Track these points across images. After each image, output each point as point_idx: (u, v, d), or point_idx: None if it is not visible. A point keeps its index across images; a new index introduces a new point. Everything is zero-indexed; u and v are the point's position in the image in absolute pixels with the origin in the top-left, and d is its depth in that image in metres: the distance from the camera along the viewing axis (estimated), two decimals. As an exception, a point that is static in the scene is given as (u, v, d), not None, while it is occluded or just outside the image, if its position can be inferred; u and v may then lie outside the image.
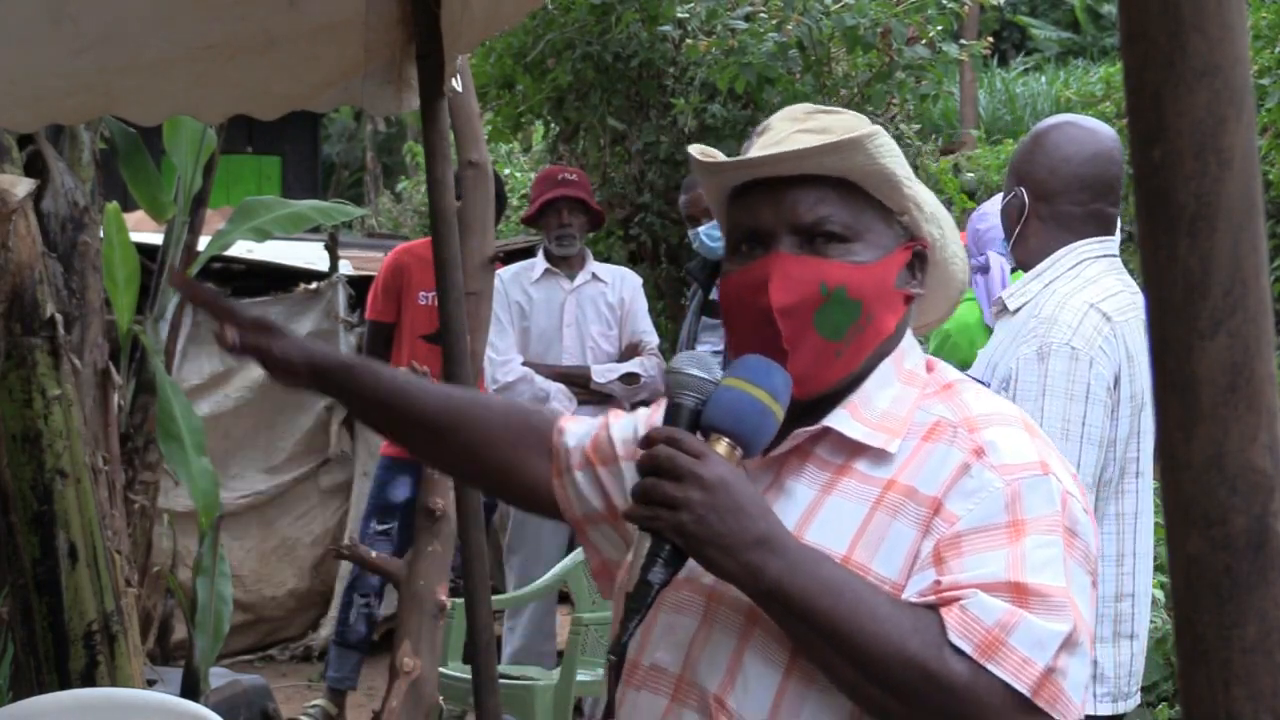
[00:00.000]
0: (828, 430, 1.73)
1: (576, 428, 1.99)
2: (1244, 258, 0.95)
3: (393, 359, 6.02)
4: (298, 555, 7.50)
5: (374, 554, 4.32)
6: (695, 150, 1.83)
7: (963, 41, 7.39)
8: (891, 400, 1.75)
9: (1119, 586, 3.00)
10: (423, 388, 2.04)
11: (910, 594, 1.62)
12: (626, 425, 1.96)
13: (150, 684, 4.55)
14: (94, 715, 2.99)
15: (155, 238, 6.28)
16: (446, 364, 3.21)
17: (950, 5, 6.98)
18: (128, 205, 6.11)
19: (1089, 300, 2.97)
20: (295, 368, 2.00)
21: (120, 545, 4.53)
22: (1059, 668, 1.58)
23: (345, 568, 6.69)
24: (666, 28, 7.31)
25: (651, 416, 1.92)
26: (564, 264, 6.18)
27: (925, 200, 1.80)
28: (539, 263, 6.22)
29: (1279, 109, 7.09)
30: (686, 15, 7.33)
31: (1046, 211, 3.09)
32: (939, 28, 7.04)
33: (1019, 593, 1.58)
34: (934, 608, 1.59)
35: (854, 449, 1.72)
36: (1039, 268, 3.09)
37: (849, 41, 6.87)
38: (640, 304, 6.24)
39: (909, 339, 1.83)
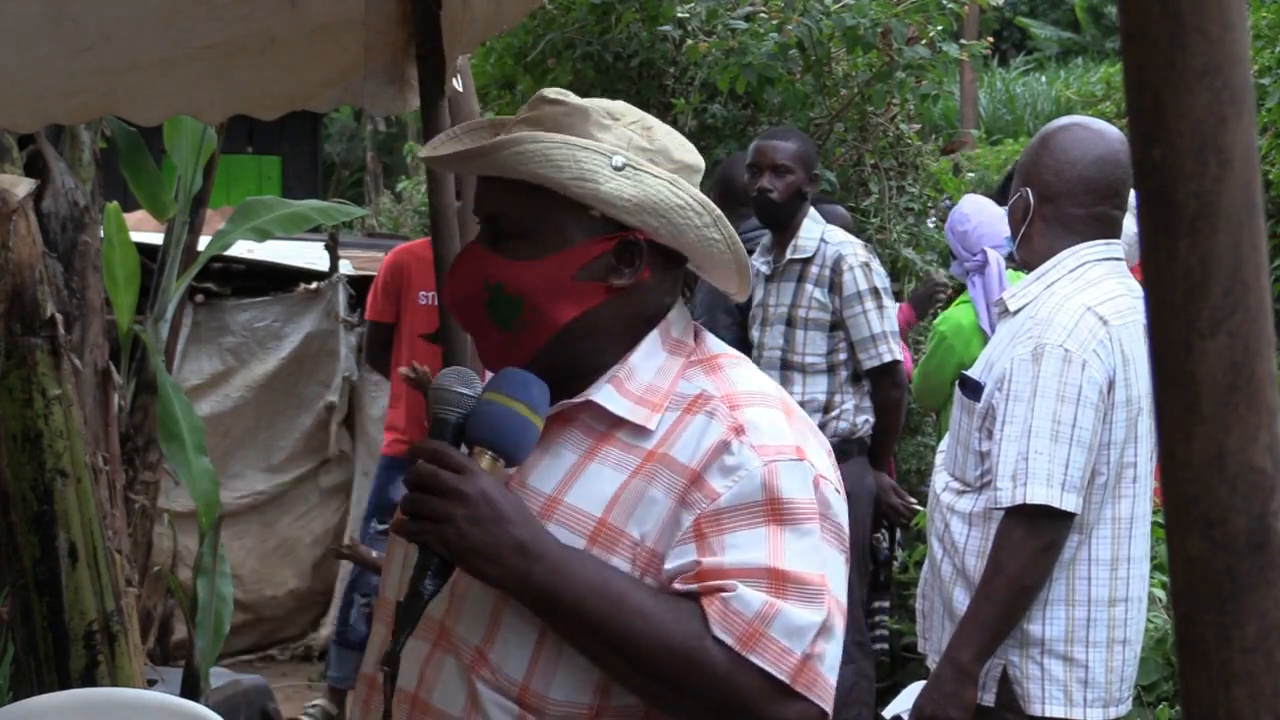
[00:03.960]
0: (590, 402, 1.79)
1: None
2: (1244, 258, 0.95)
3: (393, 359, 6.02)
4: (298, 555, 7.49)
5: (374, 554, 4.31)
6: (429, 147, 1.90)
7: (963, 41, 7.37)
8: (656, 371, 1.81)
9: (1113, 591, 2.98)
10: None
11: (670, 569, 1.69)
12: None
13: (150, 684, 4.55)
14: (94, 715, 2.99)
15: (155, 238, 6.28)
16: (446, 364, 3.20)
17: (950, 5, 6.97)
18: (128, 205, 6.10)
19: (1086, 303, 2.97)
20: None
21: (120, 545, 4.52)
22: (815, 653, 1.67)
23: (345, 568, 6.69)
24: (667, 28, 7.31)
25: None
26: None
27: (625, 195, 1.76)
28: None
29: (1279, 109, 7.09)
30: (687, 15, 7.32)
31: (1051, 213, 3.09)
32: (939, 28, 7.03)
33: (778, 579, 1.66)
34: (694, 597, 1.66)
35: (616, 420, 1.78)
36: (1040, 269, 3.09)
37: (849, 41, 6.86)
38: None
39: (679, 307, 1.87)
